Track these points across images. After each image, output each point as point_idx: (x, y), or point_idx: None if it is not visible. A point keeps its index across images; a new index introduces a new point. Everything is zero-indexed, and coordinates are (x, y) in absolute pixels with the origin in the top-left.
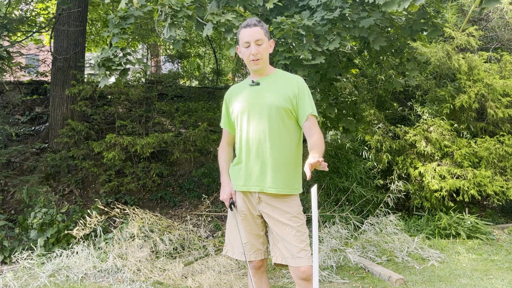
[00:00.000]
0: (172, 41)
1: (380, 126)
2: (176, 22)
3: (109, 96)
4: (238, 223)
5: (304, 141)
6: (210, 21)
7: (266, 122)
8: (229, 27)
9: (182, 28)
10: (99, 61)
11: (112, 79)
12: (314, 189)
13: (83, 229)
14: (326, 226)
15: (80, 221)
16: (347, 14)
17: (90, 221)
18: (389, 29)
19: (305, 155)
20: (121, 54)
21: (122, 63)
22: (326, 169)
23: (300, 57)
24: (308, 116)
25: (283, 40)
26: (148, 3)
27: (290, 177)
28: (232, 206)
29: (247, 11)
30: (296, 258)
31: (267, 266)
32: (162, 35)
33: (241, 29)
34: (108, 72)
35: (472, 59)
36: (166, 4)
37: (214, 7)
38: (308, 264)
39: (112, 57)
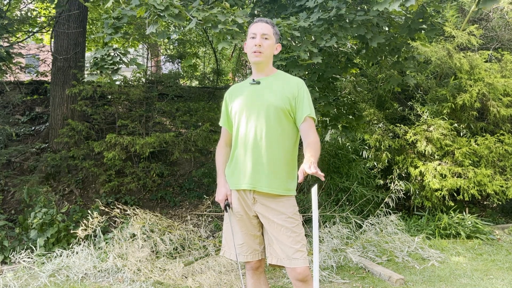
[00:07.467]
0: (162, 37)
1: (380, 125)
2: (158, 20)
3: (109, 96)
4: (233, 225)
5: (300, 143)
6: (195, 17)
7: (263, 121)
8: (215, 22)
9: (182, 28)
10: (92, 60)
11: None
12: (314, 189)
13: (85, 230)
14: (326, 226)
15: (83, 221)
16: (344, 15)
17: (91, 221)
18: (387, 28)
19: (300, 158)
20: (114, 54)
21: (115, 62)
22: (322, 178)
23: (299, 58)
24: (306, 117)
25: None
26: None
27: (284, 177)
28: (228, 207)
29: (237, 8)
30: (291, 259)
31: (267, 266)
32: (147, 30)
33: (252, 23)
34: (99, 71)
35: (473, 58)
36: (151, 4)
37: (197, 3)
38: (304, 265)
39: (105, 56)
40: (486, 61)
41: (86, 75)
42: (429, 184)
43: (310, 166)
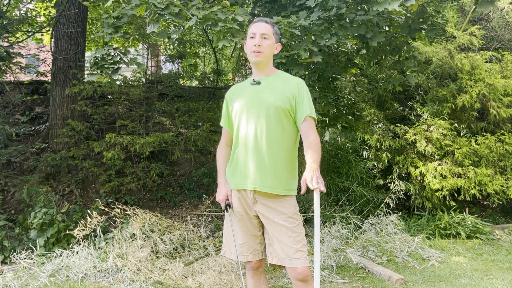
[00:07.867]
0: (162, 37)
1: (380, 125)
2: (159, 19)
3: (110, 96)
4: (233, 224)
5: (300, 143)
6: (195, 15)
7: (263, 121)
8: (215, 21)
9: (182, 28)
10: (92, 59)
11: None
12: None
13: (83, 230)
14: (326, 226)
15: (81, 221)
16: (344, 14)
17: (90, 221)
18: (387, 28)
19: (301, 158)
20: (114, 53)
21: (115, 62)
22: (324, 191)
23: (300, 57)
24: (306, 117)
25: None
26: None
27: (285, 177)
28: (228, 207)
29: (237, 6)
30: (292, 259)
31: (267, 266)
32: (148, 29)
33: (252, 23)
34: (99, 71)
35: (474, 59)
36: (152, 2)
37: (196, 2)
38: (305, 265)
39: (106, 56)
40: (486, 62)
41: (86, 75)
42: (429, 184)
43: (312, 178)
